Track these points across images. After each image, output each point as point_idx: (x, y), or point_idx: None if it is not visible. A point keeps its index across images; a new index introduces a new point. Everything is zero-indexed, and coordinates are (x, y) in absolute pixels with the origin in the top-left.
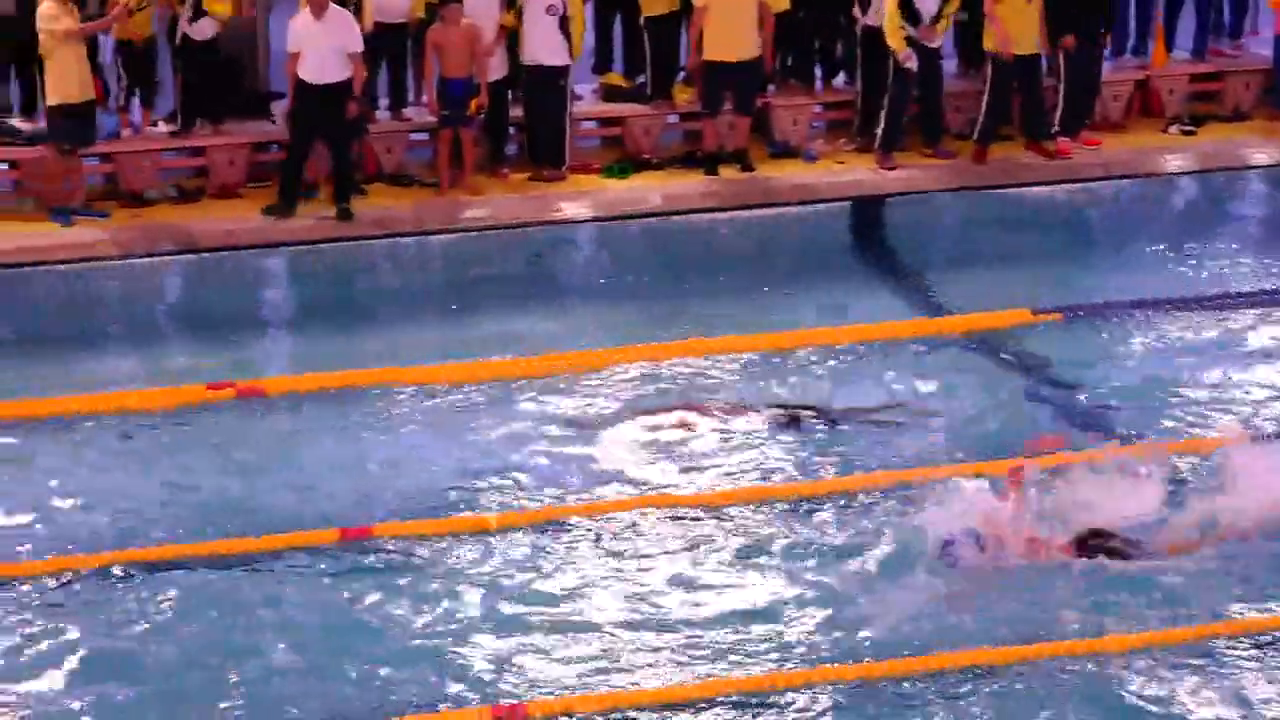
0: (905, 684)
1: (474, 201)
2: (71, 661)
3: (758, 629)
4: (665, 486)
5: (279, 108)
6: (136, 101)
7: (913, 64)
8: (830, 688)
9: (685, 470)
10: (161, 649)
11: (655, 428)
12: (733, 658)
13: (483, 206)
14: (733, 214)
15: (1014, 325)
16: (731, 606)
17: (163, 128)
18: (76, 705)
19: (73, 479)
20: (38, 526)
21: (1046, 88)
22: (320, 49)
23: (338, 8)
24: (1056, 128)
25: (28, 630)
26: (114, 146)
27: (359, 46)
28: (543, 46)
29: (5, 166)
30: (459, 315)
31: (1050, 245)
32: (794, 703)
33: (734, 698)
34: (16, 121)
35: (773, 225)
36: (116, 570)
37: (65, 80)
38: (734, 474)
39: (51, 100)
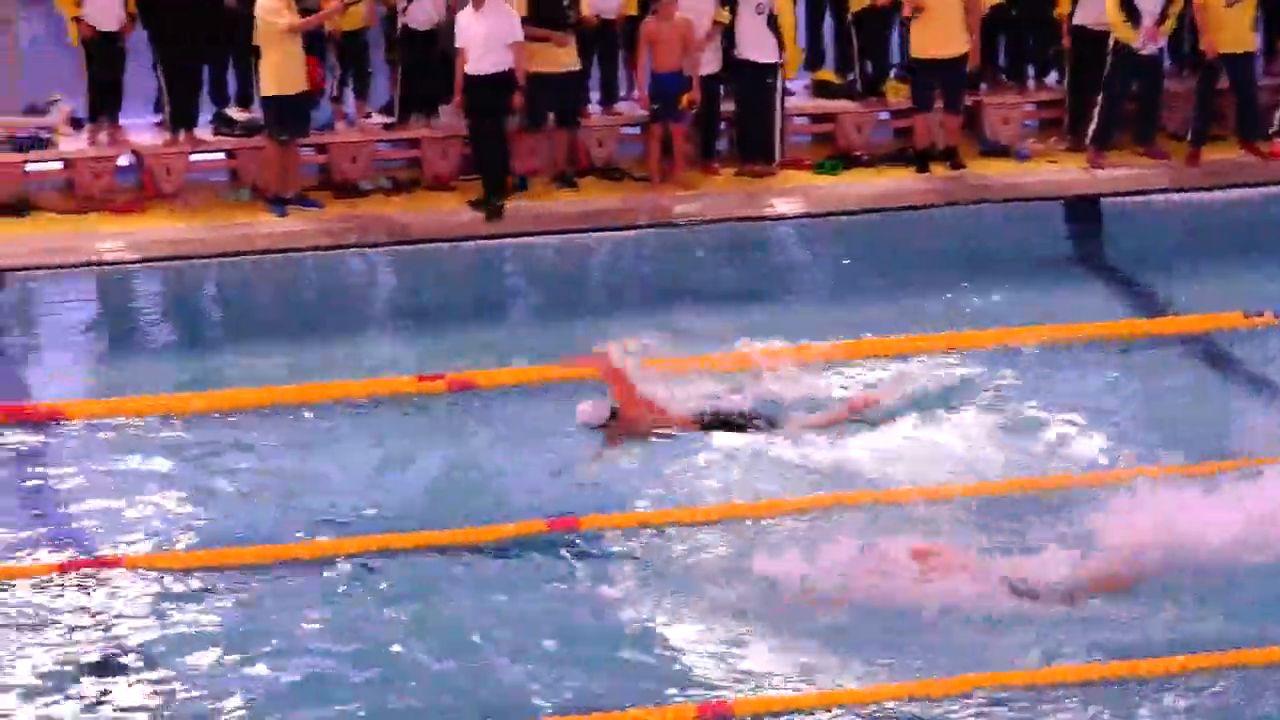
0: None
1: (684, 196)
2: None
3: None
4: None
5: None
6: (350, 93)
7: (1151, 47)
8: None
9: (891, 466)
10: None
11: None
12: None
13: (693, 201)
14: (943, 211)
15: (1226, 327)
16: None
17: (377, 119)
18: (298, 678)
19: (290, 465)
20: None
21: (1264, 88)
22: (482, 40)
23: (497, 0)
24: (1276, 128)
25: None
26: (328, 138)
27: (519, 35)
28: (752, 43)
29: (222, 156)
30: (668, 309)
31: (1265, 248)
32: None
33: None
34: (233, 112)
35: (983, 223)
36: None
37: (281, 72)
38: (954, 470)
39: (267, 91)
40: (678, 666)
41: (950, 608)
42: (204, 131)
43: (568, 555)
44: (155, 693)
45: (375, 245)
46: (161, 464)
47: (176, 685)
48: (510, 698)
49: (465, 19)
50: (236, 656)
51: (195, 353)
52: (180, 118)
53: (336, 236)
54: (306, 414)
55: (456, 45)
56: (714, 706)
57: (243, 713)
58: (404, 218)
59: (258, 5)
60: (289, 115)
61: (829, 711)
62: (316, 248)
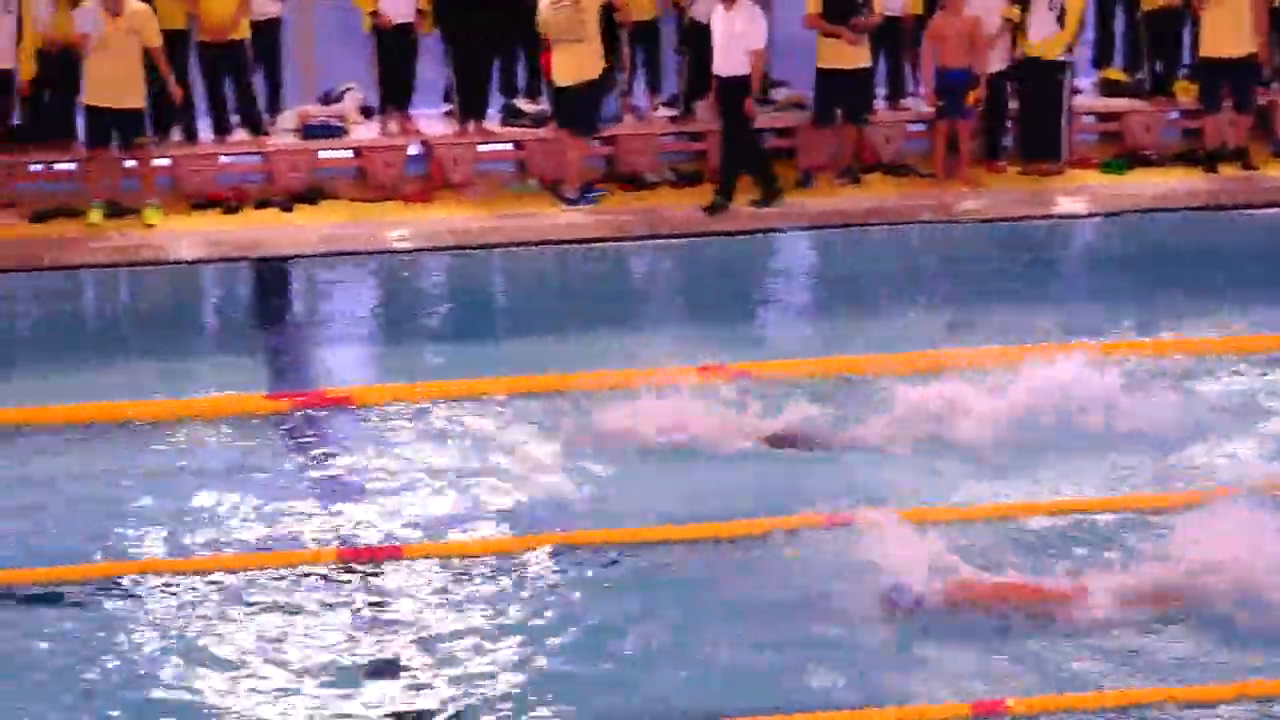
0: None
1: (969, 193)
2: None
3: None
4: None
5: (779, 95)
6: (639, 85)
7: None
8: None
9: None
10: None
11: None
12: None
13: (978, 198)
14: (1232, 213)
15: None
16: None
17: (663, 112)
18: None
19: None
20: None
21: None
22: (725, 41)
23: (748, 2)
24: None
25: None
26: (615, 129)
27: (760, 42)
28: (1042, 41)
29: (510, 147)
30: (951, 304)
31: None
32: None
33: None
34: (522, 103)
35: (1274, 225)
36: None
37: (571, 63)
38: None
39: (559, 83)
40: (950, 667)
41: None
42: (493, 122)
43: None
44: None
45: (658, 237)
46: (443, 449)
47: (455, 675)
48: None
49: (715, 18)
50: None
51: (474, 339)
52: (470, 108)
53: (620, 228)
54: (561, 401)
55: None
56: (989, 704)
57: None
58: (686, 211)
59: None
60: (580, 107)
61: (1103, 713)
62: (600, 239)
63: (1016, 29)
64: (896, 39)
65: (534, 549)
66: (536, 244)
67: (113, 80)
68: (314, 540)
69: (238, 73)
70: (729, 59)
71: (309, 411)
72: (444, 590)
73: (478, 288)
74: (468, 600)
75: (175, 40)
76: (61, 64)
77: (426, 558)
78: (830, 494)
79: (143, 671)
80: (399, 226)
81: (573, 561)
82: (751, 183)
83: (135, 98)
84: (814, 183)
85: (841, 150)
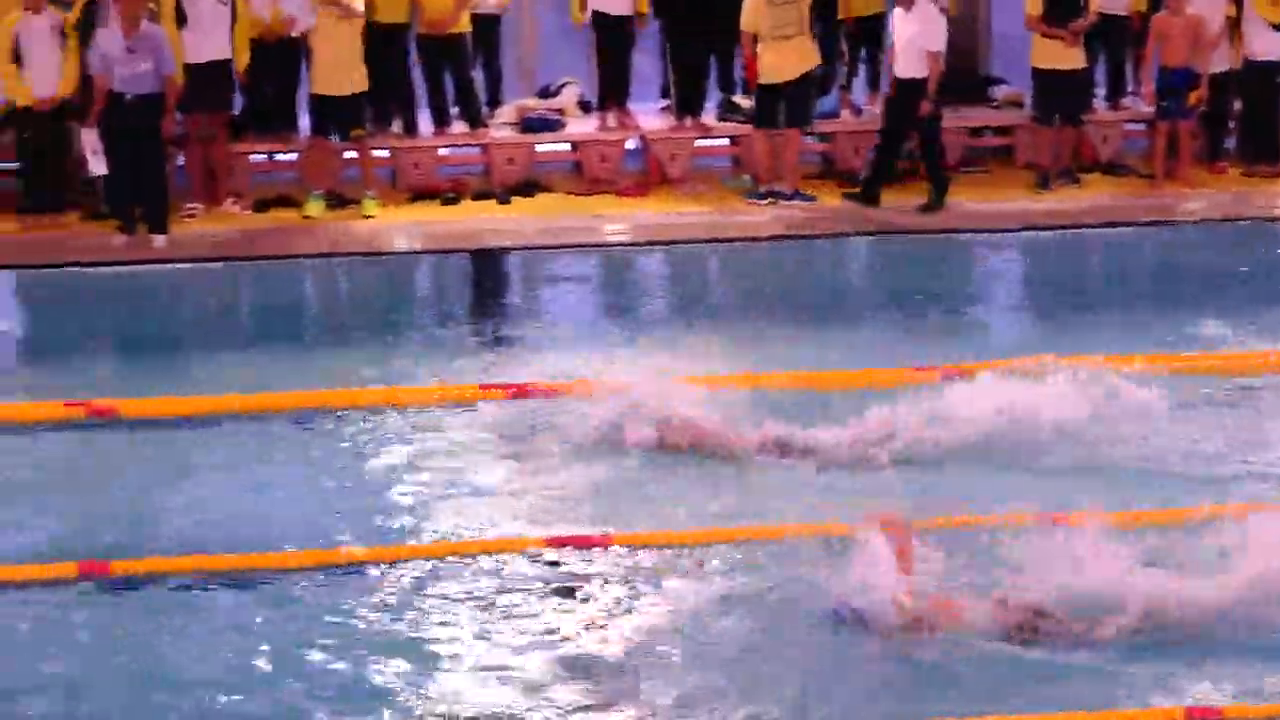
0: None
1: (1188, 194)
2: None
3: None
4: None
5: (998, 93)
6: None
7: None
8: None
9: None
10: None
11: None
12: None
13: (1197, 200)
14: None
15: None
16: None
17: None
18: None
19: None
20: None
21: None
22: (904, 42)
23: (926, 3)
24: None
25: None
26: (832, 126)
27: (937, 45)
28: (1261, 42)
29: (726, 143)
30: (1161, 308)
31: None
32: None
33: None
34: (739, 99)
35: None
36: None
37: (783, 60)
38: None
39: (767, 80)
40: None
41: None
42: (710, 118)
43: None
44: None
45: (871, 234)
46: None
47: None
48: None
49: (895, 19)
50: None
51: (685, 333)
52: (687, 103)
53: (830, 225)
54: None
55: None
56: (1203, 710)
57: None
58: (904, 209)
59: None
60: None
61: None
62: (811, 235)
63: (1234, 29)
64: (1118, 38)
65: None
66: (751, 239)
67: (332, 67)
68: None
69: (458, 66)
70: (907, 60)
71: (523, 402)
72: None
73: (692, 282)
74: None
75: (396, 33)
76: (280, 54)
77: (626, 547)
78: None
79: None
80: (615, 220)
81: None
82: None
83: (355, 84)
84: (1051, 185)
85: (1060, 150)
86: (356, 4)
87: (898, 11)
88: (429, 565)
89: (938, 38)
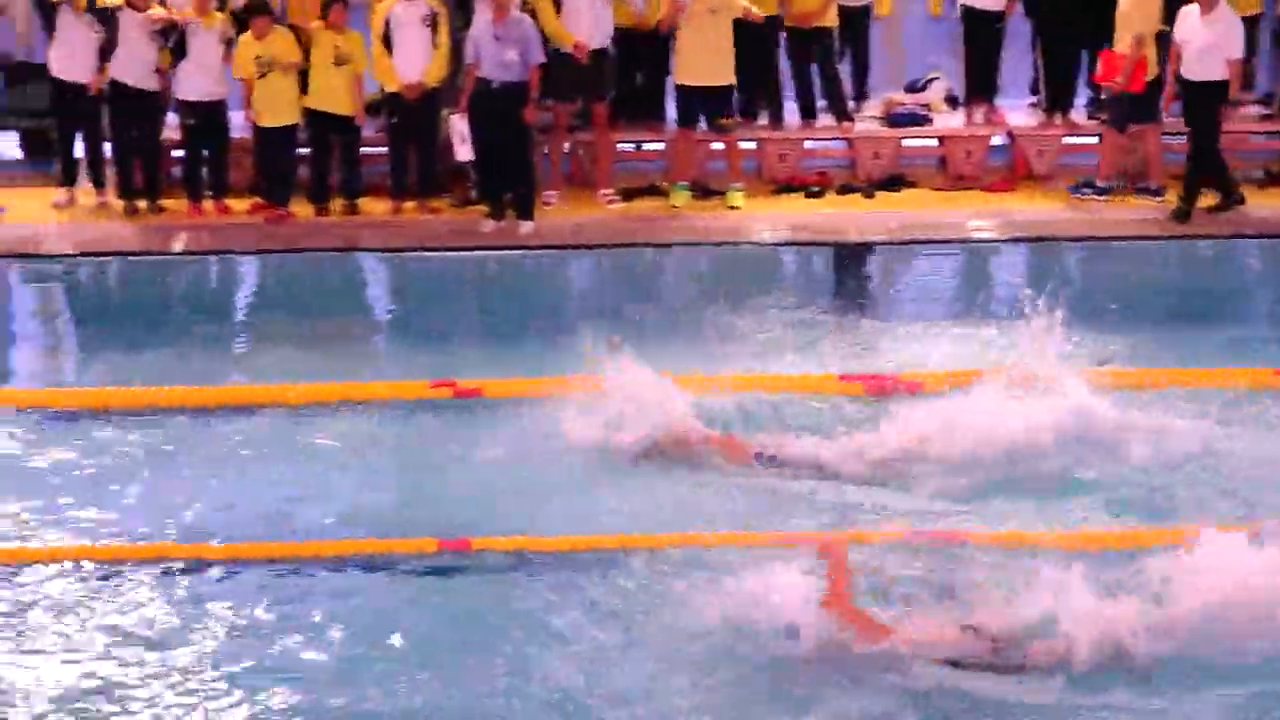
0: None
1: None
2: None
3: None
4: None
5: None
6: None
7: None
8: None
9: None
10: None
11: None
12: None
13: None
14: None
15: None
16: None
17: (1253, 110)
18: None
19: None
20: None
21: None
22: (1201, 46)
23: (1226, 8)
24: None
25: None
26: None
27: (1238, 51)
28: None
29: (1095, 140)
30: None
31: None
32: None
33: None
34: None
35: None
36: None
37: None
38: None
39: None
40: None
41: None
42: (1079, 115)
43: None
44: None
45: (1241, 236)
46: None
47: None
48: None
49: (1187, 20)
50: None
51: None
52: (1056, 99)
53: (1213, 227)
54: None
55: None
56: None
57: None
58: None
59: None
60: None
61: None
62: (1143, 237)
63: None
64: None
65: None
66: (1106, 239)
67: (702, 58)
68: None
69: (825, 59)
70: (1203, 64)
71: (880, 395)
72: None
73: (1049, 279)
74: None
75: (766, 26)
76: (648, 44)
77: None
78: None
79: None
80: (979, 216)
81: None
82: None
83: (724, 75)
84: None
85: None
86: None
87: (1193, 13)
88: None
89: (1238, 43)
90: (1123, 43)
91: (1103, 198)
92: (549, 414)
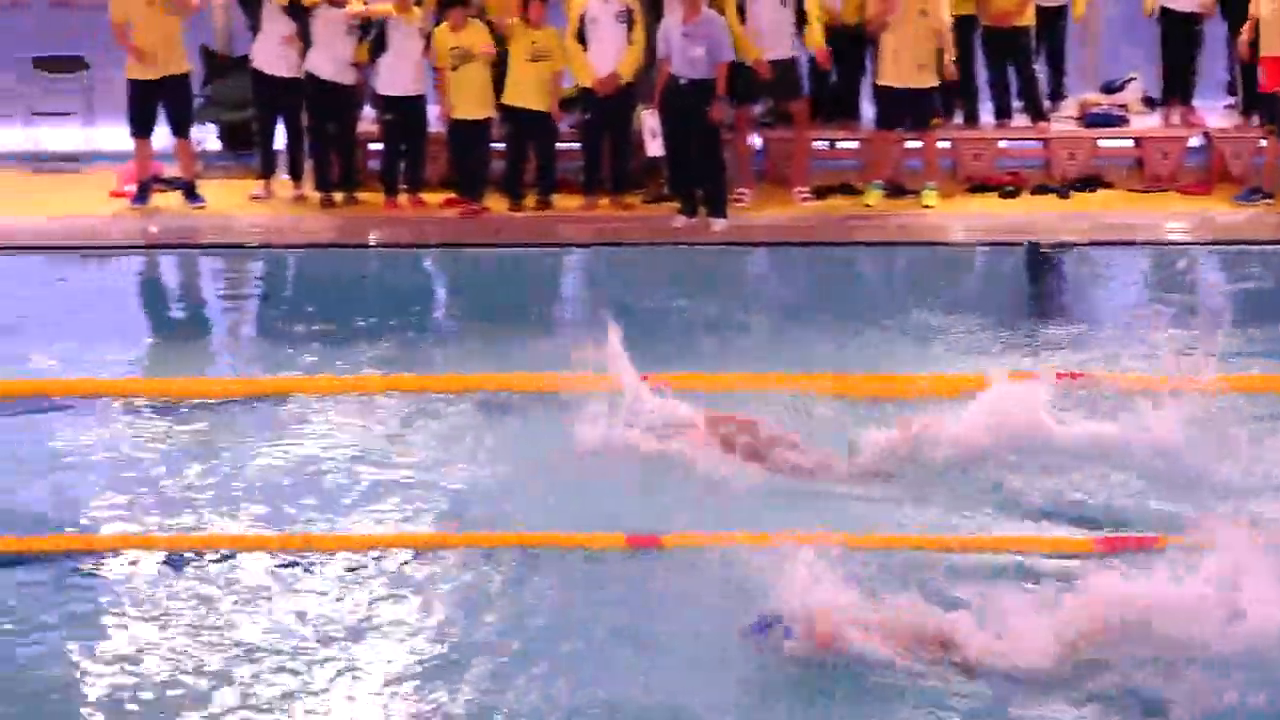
0: None
1: None
2: None
3: None
4: None
5: None
6: None
7: None
8: None
9: None
10: None
11: None
12: None
13: None
14: None
15: None
16: None
17: None
18: None
19: None
20: None
21: None
22: None
23: None
24: None
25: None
26: None
27: None
28: None
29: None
30: None
31: None
32: None
33: None
34: None
35: None
36: None
37: None
38: None
39: None
40: None
41: None
42: None
43: None
44: None
45: None
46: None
47: None
48: None
49: None
50: None
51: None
52: (1253, 102)
53: None
54: None
55: None
56: None
57: None
58: None
59: None
60: None
61: None
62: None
63: None
64: None
65: None
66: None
67: (909, 60)
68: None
69: (1021, 59)
70: None
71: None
72: None
73: (1245, 282)
74: None
75: (962, 26)
76: (848, 43)
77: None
78: None
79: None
80: (1175, 218)
81: None
82: None
83: (929, 78)
84: None
85: None
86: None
87: None
88: None
89: None
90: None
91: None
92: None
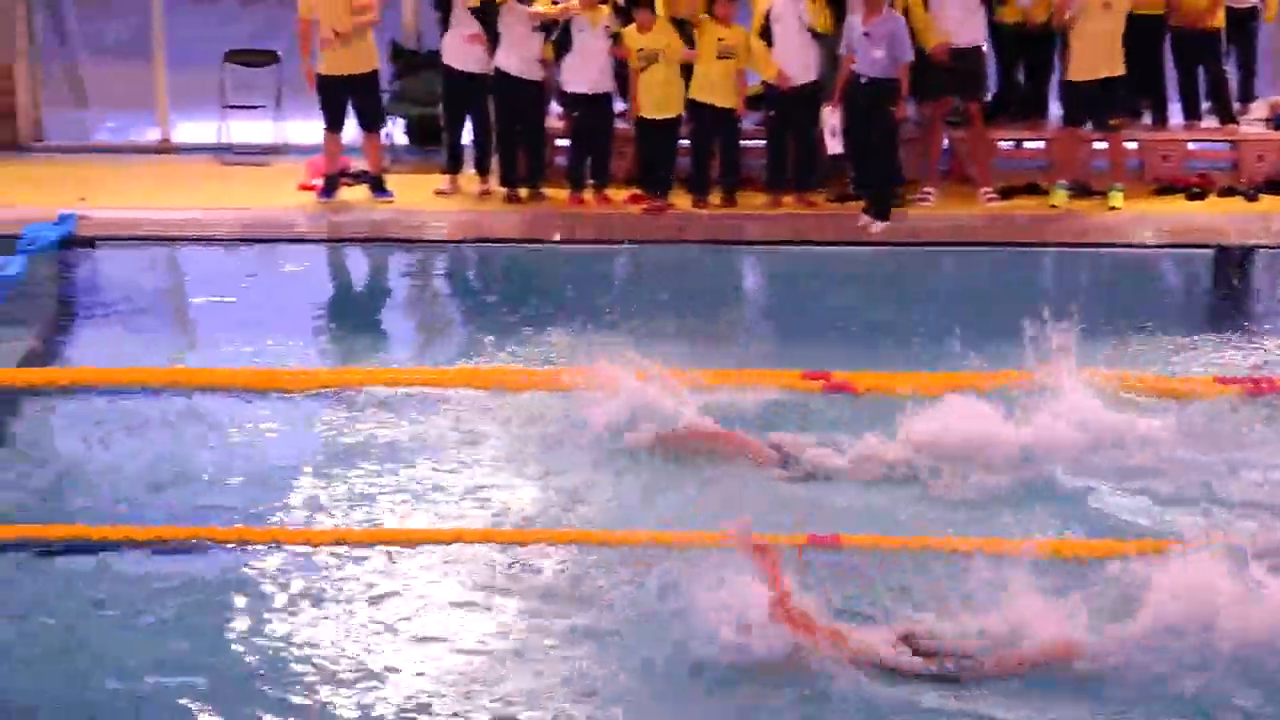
0: None
1: None
2: None
3: None
4: None
5: None
6: None
7: None
8: None
9: None
10: None
11: None
12: None
13: None
14: None
15: None
16: None
17: None
18: None
19: None
20: None
21: None
22: None
23: None
24: None
25: None
26: None
27: None
28: None
29: None
30: None
31: None
32: None
33: None
34: None
35: None
36: None
37: None
38: None
39: None
40: None
41: None
42: None
43: None
44: None
45: None
46: None
47: None
48: None
49: None
50: None
51: None
52: None
53: None
54: None
55: None
56: None
57: None
58: None
59: None
60: None
61: None
62: None
63: None
64: None
65: None
66: None
67: (1096, 52)
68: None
69: (1211, 60)
70: None
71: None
72: None
73: None
74: None
75: (1151, 26)
76: (1035, 40)
77: None
78: None
79: None
80: None
81: None
82: None
83: (1116, 66)
84: None
85: None
86: None
87: None
88: None
89: None
90: None
91: None
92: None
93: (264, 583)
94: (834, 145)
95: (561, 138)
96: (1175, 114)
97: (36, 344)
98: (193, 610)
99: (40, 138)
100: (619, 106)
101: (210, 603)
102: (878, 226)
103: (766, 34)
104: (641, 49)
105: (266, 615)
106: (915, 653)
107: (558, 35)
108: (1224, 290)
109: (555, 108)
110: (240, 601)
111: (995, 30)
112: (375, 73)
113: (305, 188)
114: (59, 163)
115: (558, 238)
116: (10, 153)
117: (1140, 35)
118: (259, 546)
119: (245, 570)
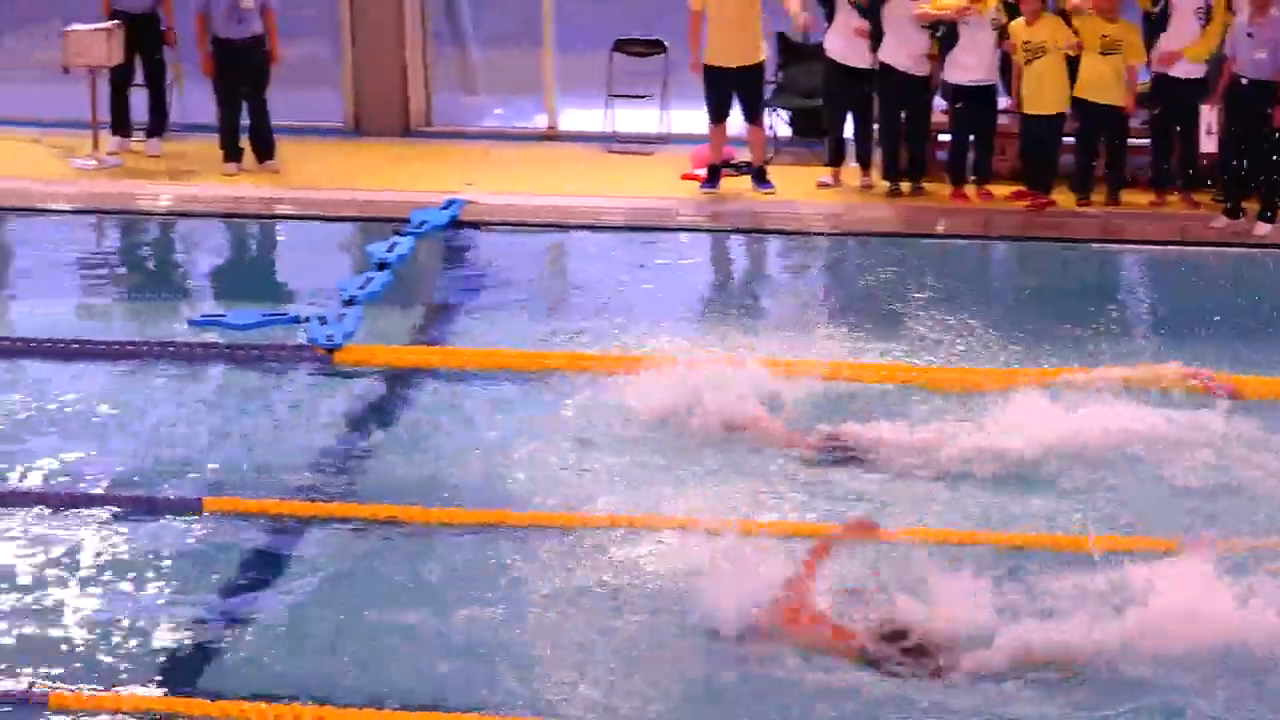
0: None
1: None
2: None
3: None
4: None
5: None
6: None
7: None
8: None
9: None
10: None
11: None
12: None
13: None
14: None
15: None
16: None
17: None
18: None
19: None
20: None
21: None
22: None
23: None
24: None
25: None
26: None
27: None
28: None
29: None
30: None
31: None
32: None
33: None
34: None
35: None
36: None
37: None
38: None
39: None
40: None
41: None
42: None
43: None
44: None
45: None
46: None
47: None
48: None
49: None
50: None
51: None
52: None
53: None
54: None
55: None
56: None
57: None
58: None
59: None
60: None
61: None
62: None
63: None
64: None
65: None
66: None
67: None
68: None
69: None
70: None
71: None
72: None
73: None
74: None
75: None
76: None
77: None
78: None
79: None
80: None
81: None
82: None
83: None
84: None
85: None
86: None
87: None
88: None
89: None
90: None
91: None
92: None
93: None
94: (1207, 143)
95: (944, 131)
96: None
97: (421, 324)
98: None
99: (430, 123)
100: (1003, 102)
101: None
102: (1263, 229)
103: (1158, 27)
104: (1028, 42)
105: None
106: (912, 652)
107: (944, 32)
108: None
109: (939, 102)
110: None
111: None
112: (761, 65)
113: (688, 177)
114: (447, 147)
115: (940, 231)
116: (400, 138)
117: None
118: None
119: None
